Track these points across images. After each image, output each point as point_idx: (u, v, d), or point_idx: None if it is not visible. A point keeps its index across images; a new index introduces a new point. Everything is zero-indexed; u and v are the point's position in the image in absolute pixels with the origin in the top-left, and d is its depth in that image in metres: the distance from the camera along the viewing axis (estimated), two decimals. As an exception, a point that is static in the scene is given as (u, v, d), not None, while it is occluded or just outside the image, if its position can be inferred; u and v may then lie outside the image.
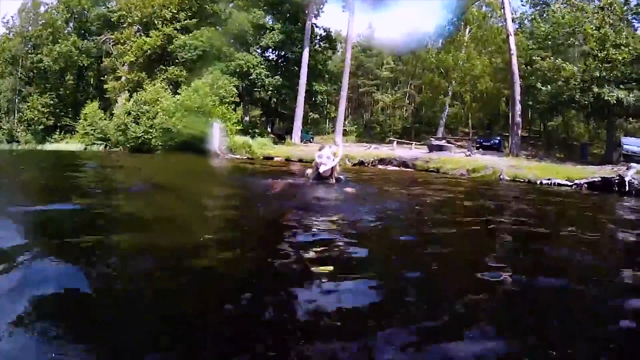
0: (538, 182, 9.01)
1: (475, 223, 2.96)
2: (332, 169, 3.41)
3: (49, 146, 28.96)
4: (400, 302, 1.27)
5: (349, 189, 3.52)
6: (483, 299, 1.33)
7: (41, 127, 31.21)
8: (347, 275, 1.47)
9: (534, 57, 19.32)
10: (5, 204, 2.63)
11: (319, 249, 1.83)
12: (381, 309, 1.19)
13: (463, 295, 1.32)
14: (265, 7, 24.00)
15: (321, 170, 3.35)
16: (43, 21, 32.60)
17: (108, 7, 30.94)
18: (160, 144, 20.54)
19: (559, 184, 8.72)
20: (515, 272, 1.60)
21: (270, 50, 24.89)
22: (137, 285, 1.35)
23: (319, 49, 25.59)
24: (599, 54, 16.51)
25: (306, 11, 23.09)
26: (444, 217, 3.25)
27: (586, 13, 17.38)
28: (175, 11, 24.08)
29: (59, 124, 31.68)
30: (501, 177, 9.77)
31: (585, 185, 8.48)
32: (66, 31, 32.91)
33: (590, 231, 2.84)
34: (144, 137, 21.09)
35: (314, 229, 2.27)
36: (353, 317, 1.13)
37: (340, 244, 1.92)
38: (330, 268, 1.58)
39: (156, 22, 24.13)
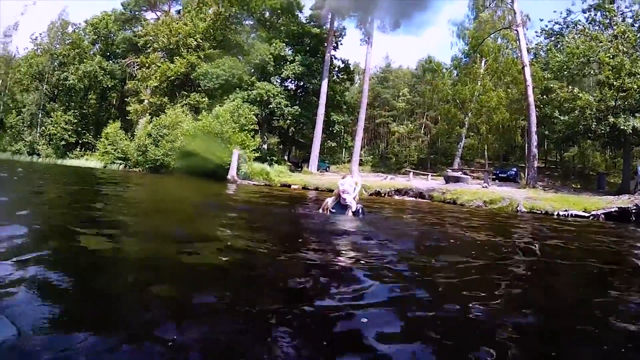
0: (555, 213, 8.87)
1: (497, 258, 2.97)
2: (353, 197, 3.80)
3: (68, 162, 29.77)
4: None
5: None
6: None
7: (63, 142, 32.08)
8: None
9: (551, 85, 19.31)
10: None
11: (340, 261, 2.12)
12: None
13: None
14: (286, 40, 24.76)
15: (344, 197, 3.74)
16: (70, 40, 33.94)
17: (134, 32, 32.13)
18: (178, 167, 20.92)
19: (576, 215, 8.59)
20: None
21: (290, 80, 25.50)
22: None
23: (337, 80, 26.12)
24: (615, 83, 16.42)
25: (325, 44, 23.70)
26: (463, 246, 3.35)
27: (600, 42, 17.34)
28: (200, 40, 24.97)
29: (80, 141, 32.55)
30: (518, 208, 9.64)
31: (602, 216, 8.37)
32: (92, 52, 34.17)
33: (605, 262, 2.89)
34: (162, 159, 21.54)
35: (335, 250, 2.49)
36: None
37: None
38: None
39: (181, 49, 25.02)
